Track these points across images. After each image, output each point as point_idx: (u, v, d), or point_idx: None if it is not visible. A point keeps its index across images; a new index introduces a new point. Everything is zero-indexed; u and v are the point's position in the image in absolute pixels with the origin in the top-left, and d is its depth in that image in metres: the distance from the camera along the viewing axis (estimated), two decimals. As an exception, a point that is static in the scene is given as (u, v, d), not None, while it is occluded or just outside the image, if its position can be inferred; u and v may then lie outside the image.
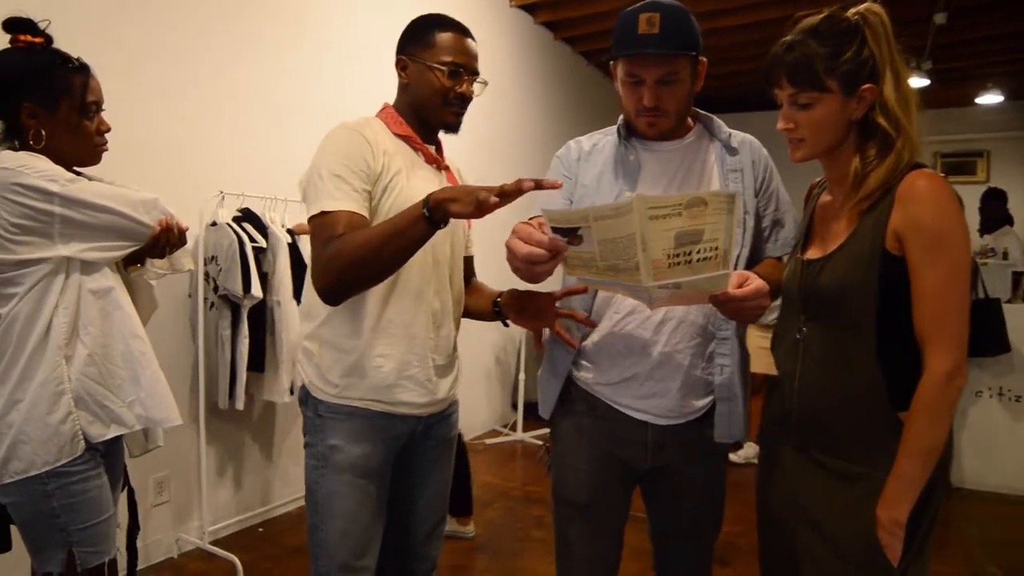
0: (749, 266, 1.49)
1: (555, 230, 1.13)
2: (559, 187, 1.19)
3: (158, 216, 1.54)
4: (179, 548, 2.90)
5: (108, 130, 1.56)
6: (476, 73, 1.53)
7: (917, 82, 5.54)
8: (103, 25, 2.57)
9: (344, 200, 1.36)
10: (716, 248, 1.11)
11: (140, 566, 2.75)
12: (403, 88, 1.54)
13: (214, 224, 2.82)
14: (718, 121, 1.54)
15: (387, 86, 1.60)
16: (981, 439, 3.98)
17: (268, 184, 3.04)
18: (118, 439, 1.58)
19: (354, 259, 1.30)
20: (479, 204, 1.16)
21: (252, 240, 2.81)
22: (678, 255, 1.09)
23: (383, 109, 1.56)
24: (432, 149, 1.57)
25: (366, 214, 1.39)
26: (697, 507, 1.57)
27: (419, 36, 1.50)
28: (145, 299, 1.69)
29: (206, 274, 2.78)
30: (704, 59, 1.44)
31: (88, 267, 1.46)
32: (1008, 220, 5.62)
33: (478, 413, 5.03)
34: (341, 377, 1.46)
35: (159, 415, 1.52)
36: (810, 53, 1.20)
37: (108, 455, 1.55)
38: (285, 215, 3.05)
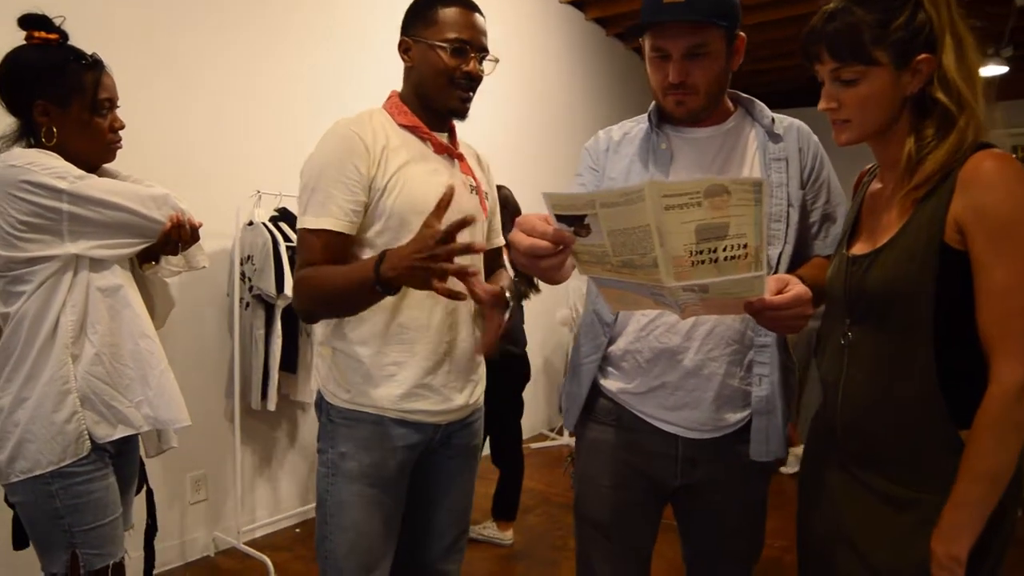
0: (795, 265, 1.35)
1: (560, 218, 1.02)
2: (474, 221, 1.20)
3: (169, 212, 1.51)
4: (216, 546, 2.91)
5: (122, 127, 1.53)
6: (485, 50, 1.43)
7: (995, 70, 5.17)
8: (139, 26, 2.60)
9: (326, 217, 1.32)
10: (745, 245, 0.98)
11: (177, 563, 2.78)
12: (407, 73, 1.46)
13: (251, 224, 2.81)
14: (760, 105, 1.41)
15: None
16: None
17: (306, 183, 3.02)
18: (132, 439, 1.56)
19: (311, 299, 1.35)
20: (427, 282, 1.18)
21: (287, 240, 2.79)
22: (701, 252, 0.97)
23: (389, 98, 1.48)
24: (444, 137, 1.48)
25: (349, 230, 1.35)
26: (733, 530, 1.43)
27: (421, 14, 1.41)
28: (162, 297, 1.66)
29: (242, 274, 2.78)
30: (742, 34, 1.31)
31: (97, 265, 1.44)
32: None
33: (525, 416, 4.92)
34: (353, 383, 1.39)
35: (167, 416, 1.49)
36: (855, 21, 1.05)
37: (120, 455, 1.53)
38: (323, 214, 3.02)
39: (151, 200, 1.48)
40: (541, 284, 3.07)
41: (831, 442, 1.19)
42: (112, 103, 1.52)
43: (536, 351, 5.12)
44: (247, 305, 2.78)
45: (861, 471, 1.14)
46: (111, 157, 1.55)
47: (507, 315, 1.41)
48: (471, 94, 1.43)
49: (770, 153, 1.37)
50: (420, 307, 1.39)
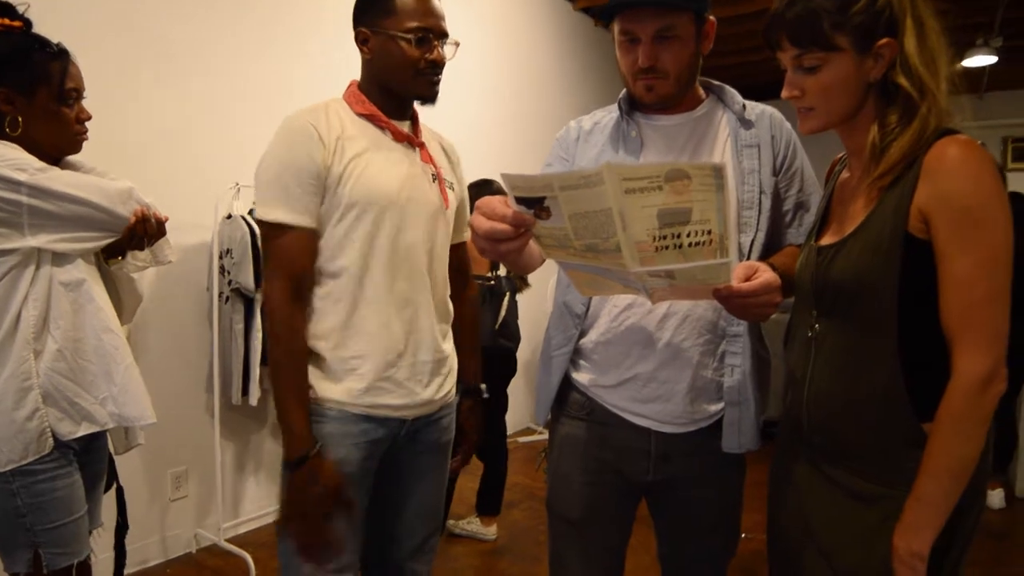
0: (767, 253, 1.33)
1: (519, 201, 1.00)
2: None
3: (133, 206, 1.48)
4: (198, 543, 2.89)
5: (88, 118, 1.51)
6: (445, 35, 1.40)
7: (984, 60, 5.16)
8: (122, 16, 2.56)
9: (285, 210, 1.31)
10: (709, 232, 0.97)
11: (158, 560, 2.76)
12: (366, 64, 1.43)
13: (229, 217, 2.79)
14: (731, 91, 1.39)
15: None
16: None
17: (286, 176, 2.98)
18: (99, 436, 1.54)
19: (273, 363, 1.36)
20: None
21: (266, 233, 2.76)
22: (665, 237, 0.96)
23: (348, 88, 1.46)
24: (405, 125, 1.46)
25: (309, 223, 1.33)
26: (708, 526, 1.42)
27: (377, 2, 1.38)
28: (129, 292, 1.63)
29: (221, 267, 2.75)
30: (712, 17, 1.30)
31: (59, 259, 1.41)
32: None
33: (513, 410, 4.90)
34: (315, 378, 1.37)
35: (132, 412, 1.46)
36: (814, 7, 1.03)
37: (87, 452, 1.51)
38: (303, 208, 3.00)
39: (116, 194, 1.45)
40: (530, 277, 3.06)
41: (798, 437, 1.18)
42: (79, 93, 1.49)
43: (523, 345, 5.08)
44: (226, 299, 2.76)
45: (828, 466, 1.12)
46: (77, 148, 1.52)
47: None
48: (438, 77, 1.41)
49: (741, 140, 1.35)
50: (382, 297, 1.37)
